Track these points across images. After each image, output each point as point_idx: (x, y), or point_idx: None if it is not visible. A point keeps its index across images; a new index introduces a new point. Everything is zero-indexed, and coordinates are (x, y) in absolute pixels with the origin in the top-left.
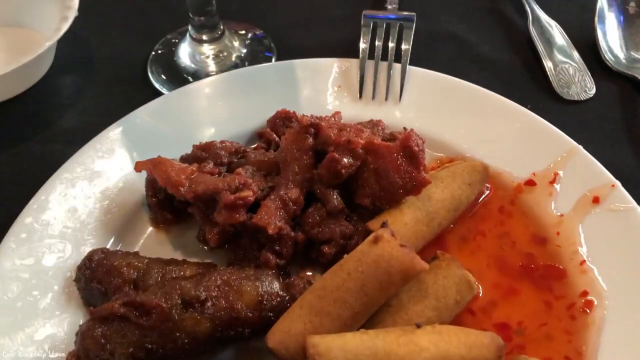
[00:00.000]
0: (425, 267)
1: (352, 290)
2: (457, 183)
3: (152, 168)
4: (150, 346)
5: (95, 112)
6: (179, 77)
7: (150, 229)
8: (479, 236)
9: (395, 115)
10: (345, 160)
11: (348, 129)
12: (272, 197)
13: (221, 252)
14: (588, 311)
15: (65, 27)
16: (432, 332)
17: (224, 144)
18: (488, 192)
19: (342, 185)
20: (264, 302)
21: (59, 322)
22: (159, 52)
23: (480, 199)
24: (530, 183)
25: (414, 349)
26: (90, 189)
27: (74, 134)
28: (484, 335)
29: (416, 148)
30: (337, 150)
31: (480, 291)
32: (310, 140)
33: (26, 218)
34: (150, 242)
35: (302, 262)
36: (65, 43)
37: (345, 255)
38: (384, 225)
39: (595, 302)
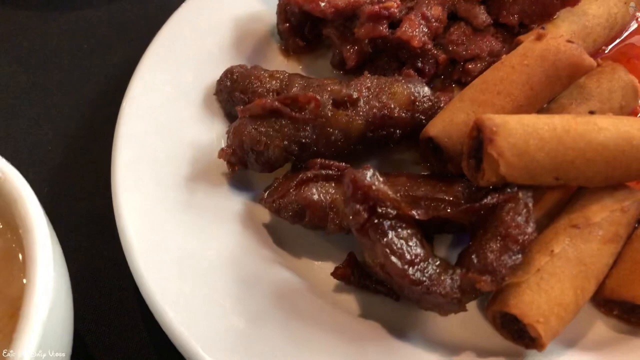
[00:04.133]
0: (594, 64)
1: (516, 83)
2: (613, 0)
3: None
4: (304, 140)
5: None
6: None
7: (281, 58)
8: (634, 60)
9: None
10: None
11: None
12: (414, 13)
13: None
14: None
15: None
16: (608, 116)
17: None
18: None
19: (484, 3)
20: (417, 102)
21: (204, 129)
22: None
23: (635, 22)
24: None
25: (593, 128)
26: (219, 17)
27: None
28: None
29: None
30: None
31: None
32: None
33: (163, 39)
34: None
35: (439, 88)
36: None
37: (503, 55)
38: (542, 29)
39: None
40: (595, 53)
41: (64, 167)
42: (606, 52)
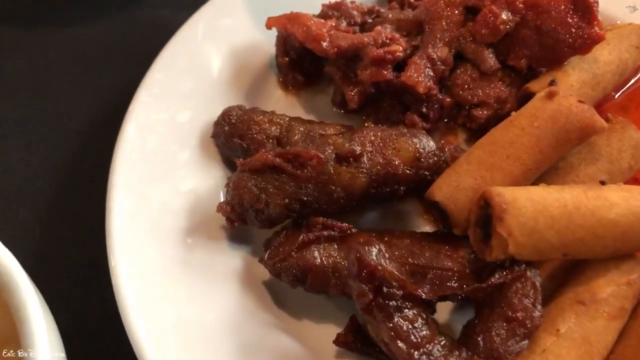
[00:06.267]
0: (605, 126)
1: (525, 146)
2: (624, 45)
3: (287, 23)
4: (305, 198)
5: None
6: None
7: (279, 92)
8: None
9: None
10: (504, 15)
11: None
12: (419, 55)
13: (357, 117)
14: None
15: None
16: (619, 189)
17: (354, 4)
18: None
19: (493, 46)
20: (422, 159)
21: (201, 176)
22: None
23: None
24: None
25: (604, 204)
26: (215, 48)
27: None
28: None
29: None
30: (494, 4)
31: None
32: None
33: (157, 73)
34: (280, 105)
35: (443, 130)
36: None
37: (512, 113)
38: (552, 83)
39: None
40: (604, 100)
41: (56, 206)
42: (616, 97)
